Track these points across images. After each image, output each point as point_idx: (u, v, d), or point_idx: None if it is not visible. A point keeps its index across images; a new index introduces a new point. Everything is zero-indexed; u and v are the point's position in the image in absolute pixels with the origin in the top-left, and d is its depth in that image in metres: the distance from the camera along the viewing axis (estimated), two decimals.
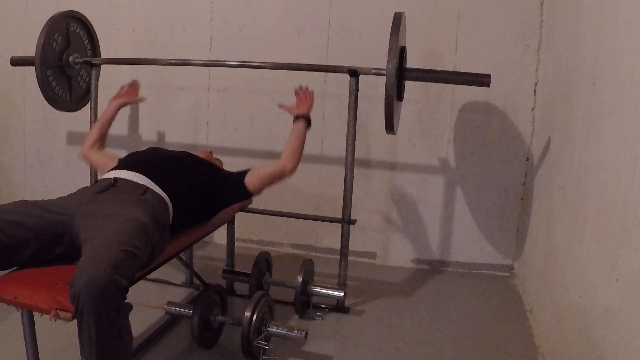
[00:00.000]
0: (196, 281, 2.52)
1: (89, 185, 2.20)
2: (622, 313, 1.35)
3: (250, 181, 2.05)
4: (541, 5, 2.72)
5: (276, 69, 2.37)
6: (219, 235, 3.13)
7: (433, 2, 2.84)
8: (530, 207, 2.72)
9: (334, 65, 2.55)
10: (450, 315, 2.51)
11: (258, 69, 2.56)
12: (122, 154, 2.27)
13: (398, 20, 2.16)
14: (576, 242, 1.80)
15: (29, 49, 2.49)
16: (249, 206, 2.57)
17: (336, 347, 2.17)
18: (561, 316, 1.91)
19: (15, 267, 1.53)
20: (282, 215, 2.78)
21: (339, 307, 2.45)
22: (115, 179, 1.80)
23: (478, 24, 2.81)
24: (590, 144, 1.75)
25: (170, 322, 2.22)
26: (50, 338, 1.85)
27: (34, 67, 2.44)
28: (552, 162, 2.33)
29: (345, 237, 2.43)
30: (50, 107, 2.62)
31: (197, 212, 2.04)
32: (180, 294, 2.55)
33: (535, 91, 2.79)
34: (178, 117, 3.22)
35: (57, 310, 1.36)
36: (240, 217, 2.66)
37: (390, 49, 2.10)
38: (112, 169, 1.93)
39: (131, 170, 1.85)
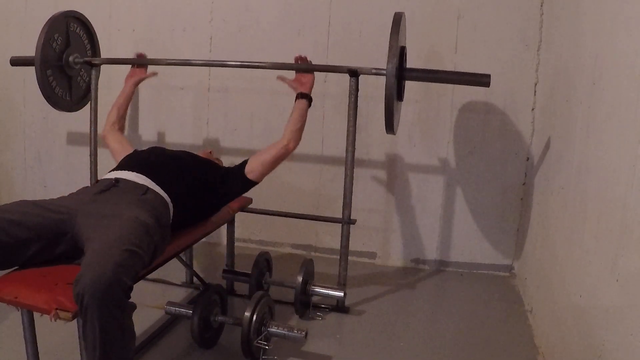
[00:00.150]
0: (196, 281, 2.52)
1: (89, 185, 2.21)
2: (622, 313, 1.35)
3: (251, 170, 2.08)
4: (541, 5, 2.72)
5: (276, 69, 2.37)
6: (219, 235, 3.13)
7: (433, 2, 2.84)
8: (530, 207, 2.72)
9: (334, 65, 2.55)
10: (450, 315, 2.51)
11: (258, 69, 2.56)
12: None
13: (398, 20, 2.16)
14: (576, 242, 1.80)
15: (29, 49, 2.49)
16: (249, 206, 2.57)
17: (336, 347, 2.17)
18: (561, 316, 1.91)
19: (16, 267, 1.53)
20: (282, 215, 2.78)
21: (339, 307, 2.45)
22: (117, 179, 1.80)
23: (478, 24, 2.81)
24: (590, 144, 1.75)
25: (170, 322, 2.22)
26: (50, 338, 1.85)
27: (34, 67, 2.44)
28: (552, 162, 2.33)
29: (345, 237, 2.43)
30: (50, 107, 2.61)
31: (198, 212, 2.05)
32: (180, 294, 2.55)
33: (535, 91, 2.79)
34: (178, 117, 3.22)
35: (57, 310, 1.36)
36: (240, 217, 2.66)
37: (390, 49, 2.10)
38: (113, 169, 1.94)
39: (132, 171, 1.86)
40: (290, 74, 2.33)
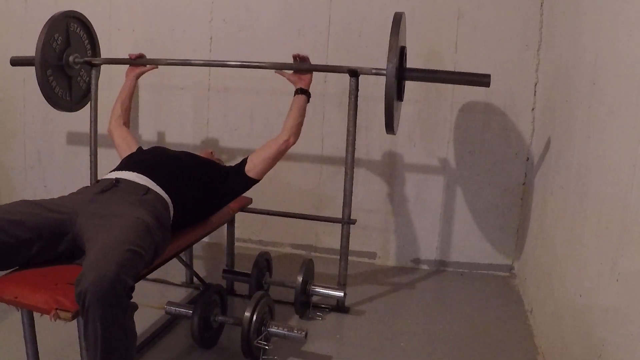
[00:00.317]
0: (196, 281, 2.52)
1: (89, 185, 2.21)
2: (622, 313, 1.35)
3: (252, 168, 2.09)
4: (541, 5, 2.72)
5: (276, 69, 2.37)
6: (219, 235, 3.13)
7: (433, 2, 2.84)
8: (530, 207, 2.72)
9: (334, 65, 2.55)
10: (450, 315, 2.51)
11: (258, 69, 2.56)
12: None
13: (398, 20, 2.16)
14: (576, 242, 1.80)
15: (29, 49, 2.49)
16: (249, 206, 2.57)
17: (336, 347, 2.17)
18: (561, 316, 1.91)
19: (16, 267, 1.53)
20: (282, 215, 2.78)
21: (339, 307, 2.45)
22: (117, 179, 1.80)
23: (478, 24, 2.81)
24: (590, 144, 1.75)
25: (170, 322, 2.22)
26: (50, 338, 1.85)
27: (34, 67, 2.44)
28: (552, 162, 2.33)
29: (345, 237, 2.43)
30: (50, 107, 2.61)
31: (198, 212, 2.05)
32: (180, 294, 2.55)
33: (535, 91, 2.79)
34: (178, 117, 3.22)
35: (57, 310, 1.36)
36: (240, 217, 2.66)
37: (390, 49, 2.10)
38: (113, 170, 1.94)
39: (133, 171, 1.86)
40: None
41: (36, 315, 1.45)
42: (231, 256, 2.61)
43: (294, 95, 2.23)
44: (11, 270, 1.52)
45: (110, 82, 2.95)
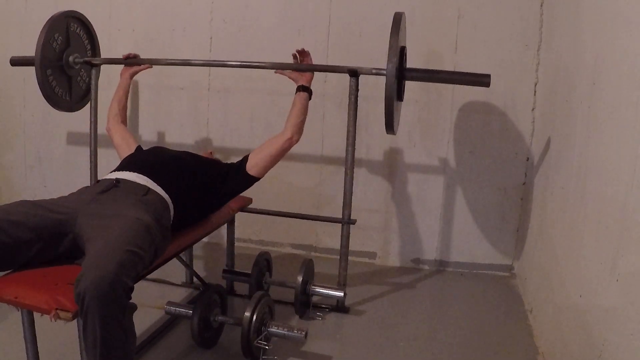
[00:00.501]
0: (196, 281, 2.52)
1: (89, 185, 2.21)
2: (622, 313, 1.35)
3: (253, 166, 2.08)
4: (541, 5, 2.72)
5: (276, 68, 2.37)
6: (219, 235, 3.13)
7: (433, 2, 2.84)
8: (530, 207, 2.72)
9: (334, 65, 2.55)
10: (450, 315, 2.51)
11: (258, 69, 2.56)
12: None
13: (398, 20, 2.16)
14: (576, 242, 1.80)
15: (29, 49, 2.49)
16: (249, 206, 2.57)
17: (336, 347, 2.17)
18: (561, 316, 1.91)
19: (17, 267, 1.53)
20: (282, 215, 2.78)
21: (339, 307, 2.45)
22: (117, 180, 1.80)
23: (478, 24, 2.81)
24: (590, 144, 1.75)
25: (170, 322, 2.22)
26: (50, 338, 1.85)
27: (34, 67, 2.44)
28: (552, 162, 2.33)
29: (345, 237, 2.43)
30: (50, 107, 2.62)
31: (198, 212, 2.05)
32: (180, 294, 2.55)
33: (535, 91, 2.80)
34: (178, 117, 3.22)
35: (57, 310, 1.36)
36: (240, 217, 2.66)
37: (390, 49, 2.10)
38: (114, 170, 1.94)
39: (133, 171, 1.86)
40: None
41: (36, 315, 1.45)
42: (231, 256, 2.61)
43: (296, 92, 2.23)
44: (11, 270, 1.52)
45: (110, 82, 2.95)
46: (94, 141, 2.73)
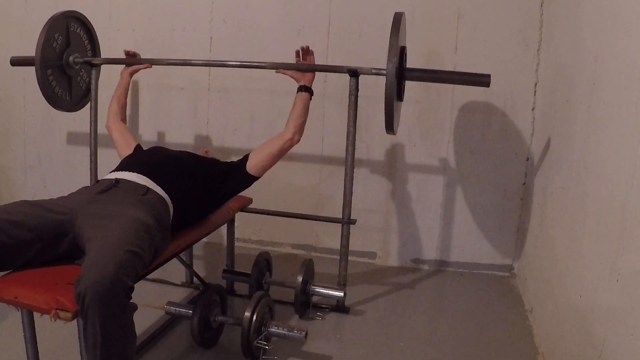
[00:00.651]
0: (196, 281, 2.52)
1: (89, 185, 2.21)
2: (622, 313, 1.35)
3: (254, 166, 2.09)
4: (541, 5, 2.72)
5: (276, 68, 2.37)
6: (219, 235, 3.13)
7: (433, 2, 2.84)
8: (530, 207, 2.72)
9: (334, 65, 2.55)
10: (450, 315, 2.51)
11: (258, 69, 2.56)
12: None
13: (398, 20, 2.16)
14: (576, 242, 1.80)
15: (29, 49, 2.49)
16: (249, 206, 2.57)
17: (336, 347, 2.17)
18: (561, 316, 1.91)
19: (17, 267, 1.53)
20: (282, 215, 2.78)
21: (339, 307, 2.45)
22: (117, 180, 1.80)
23: (478, 24, 2.81)
24: (590, 144, 1.75)
25: (170, 322, 2.22)
26: (50, 338, 1.85)
27: (34, 67, 2.44)
28: (552, 162, 2.33)
29: (345, 237, 2.43)
30: (50, 107, 2.61)
31: (198, 212, 2.05)
32: (180, 294, 2.55)
33: (535, 91, 2.79)
34: (178, 117, 3.22)
35: (57, 310, 1.36)
36: (240, 217, 2.66)
37: (390, 49, 2.10)
38: (113, 170, 1.94)
39: (132, 171, 1.86)
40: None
41: (36, 315, 1.45)
42: (231, 256, 2.61)
43: (297, 92, 2.22)
44: (11, 270, 1.52)
45: (110, 82, 2.94)
46: (94, 141, 2.73)
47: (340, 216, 2.43)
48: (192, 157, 2.13)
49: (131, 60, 2.51)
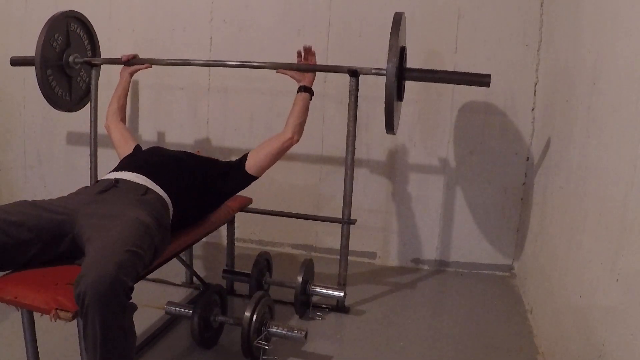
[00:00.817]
0: (196, 281, 2.52)
1: (88, 185, 2.21)
2: (622, 313, 1.35)
3: (253, 165, 2.08)
4: (541, 5, 2.72)
5: (276, 68, 2.37)
6: (219, 235, 3.13)
7: (433, 2, 2.84)
8: (530, 207, 2.72)
9: (334, 65, 2.54)
10: (450, 315, 2.51)
11: (258, 69, 2.56)
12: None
13: (398, 20, 2.16)
14: (576, 242, 1.80)
15: (29, 49, 2.49)
16: (249, 206, 2.57)
17: (336, 347, 2.17)
18: (561, 316, 1.91)
19: (17, 267, 1.53)
20: (282, 215, 2.78)
21: (339, 307, 2.45)
22: (116, 180, 1.80)
23: (478, 24, 2.81)
24: (590, 144, 1.75)
25: (170, 322, 2.22)
26: (50, 338, 1.85)
27: (34, 67, 2.44)
28: (552, 162, 2.33)
29: (345, 237, 2.43)
30: (50, 107, 2.62)
31: (198, 211, 2.05)
32: (180, 294, 2.55)
33: (535, 91, 2.79)
34: (178, 117, 3.22)
35: (57, 310, 1.36)
36: (240, 217, 2.66)
37: (390, 49, 2.10)
38: (113, 170, 1.94)
39: (132, 171, 1.86)
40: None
41: (36, 315, 1.45)
42: (231, 256, 2.61)
43: (297, 92, 2.22)
44: (11, 270, 1.52)
45: (110, 82, 2.94)
46: (94, 141, 2.73)
47: (340, 216, 2.43)
48: (191, 157, 2.13)
49: (131, 61, 2.51)
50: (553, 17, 2.58)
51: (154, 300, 2.37)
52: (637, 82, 1.37)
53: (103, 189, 1.74)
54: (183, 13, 3.12)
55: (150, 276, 1.84)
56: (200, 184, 2.00)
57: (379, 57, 2.44)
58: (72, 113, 2.78)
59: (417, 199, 3.02)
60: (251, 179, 2.10)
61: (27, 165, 3.49)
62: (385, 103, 2.16)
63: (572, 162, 1.94)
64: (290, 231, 3.17)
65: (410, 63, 2.42)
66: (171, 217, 1.83)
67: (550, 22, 2.64)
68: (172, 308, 2.07)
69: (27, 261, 1.52)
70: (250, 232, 3.22)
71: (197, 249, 2.93)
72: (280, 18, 3.01)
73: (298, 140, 2.14)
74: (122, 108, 2.44)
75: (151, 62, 2.52)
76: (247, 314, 1.90)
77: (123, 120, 2.42)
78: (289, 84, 2.34)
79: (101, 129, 2.57)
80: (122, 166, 1.95)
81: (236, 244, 2.65)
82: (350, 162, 2.36)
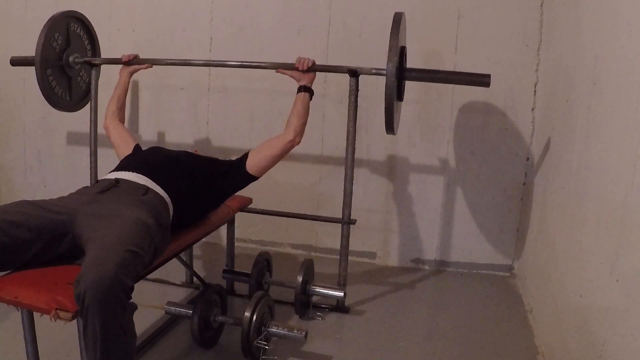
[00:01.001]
0: (196, 281, 2.52)
1: (88, 185, 2.21)
2: (622, 313, 1.35)
3: (254, 165, 2.07)
4: (541, 5, 2.72)
5: (276, 68, 2.37)
6: (219, 235, 3.13)
7: (433, 2, 2.84)
8: (530, 207, 2.72)
9: (334, 65, 2.54)
10: (450, 315, 2.51)
11: (258, 69, 2.56)
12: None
13: (398, 20, 2.16)
14: (576, 242, 1.80)
15: (29, 49, 2.49)
16: (249, 206, 2.57)
17: (336, 347, 2.17)
18: (561, 316, 1.91)
19: (17, 267, 1.53)
20: (282, 215, 2.78)
21: (339, 307, 2.45)
22: (117, 180, 1.80)
23: (478, 24, 2.81)
24: (590, 144, 1.75)
25: (170, 322, 2.22)
26: (50, 338, 1.85)
27: (34, 67, 2.44)
28: (552, 162, 2.33)
29: (345, 237, 2.43)
30: (50, 107, 2.62)
31: (198, 211, 2.05)
32: (180, 294, 2.55)
33: (535, 91, 2.79)
34: (178, 117, 3.22)
35: (57, 310, 1.36)
36: (240, 217, 2.66)
37: (390, 49, 2.10)
38: (113, 170, 1.94)
39: (132, 171, 1.86)
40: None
41: (36, 315, 1.45)
42: (231, 256, 2.61)
43: (297, 93, 2.22)
44: (11, 270, 1.52)
45: (110, 82, 2.94)
46: (94, 141, 2.73)
47: (340, 216, 2.43)
48: (191, 157, 2.13)
49: (131, 61, 2.50)
50: (553, 17, 2.58)
51: (154, 300, 2.37)
52: (637, 82, 1.37)
53: (103, 189, 1.74)
54: (183, 13, 3.12)
55: (150, 276, 1.84)
56: (200, 184, 2.00)
57: (379, 57, 2.44)
58: (72, 113, 2.78)
59: (417, 199, 3.02)
60: (251, 178, 2.10)
61: (27, 165, 3.49)
62: (385, 103, 2.16)
63: (572, 162, 1.94)
64: (290, 231, 3.17)
65: (410, 63, 2.42)
66: (171, 217, 1.83)
67: (550, 22, 2.64)
68: (172, 308, 2.07)
69: (27, 261, 1.52)
70: (250, 232, 3.22)
71: (197, 249, 2.93)
72: (280, 18, 3.01)
73: (300, 142, 2.13)
74: (122, 108, 2.43)
75: (151, 62, 2.53)
76: (247, 314, 1.90)
77: (122, 120, 2.42)
78: (289, 84, 2.34)
79: (101, 129, 2.57)
80: (122, 166, 1.95)
81: (236, 244, 2.65)
82: (350, 162, 2.36)
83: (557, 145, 2.27)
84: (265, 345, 1.95)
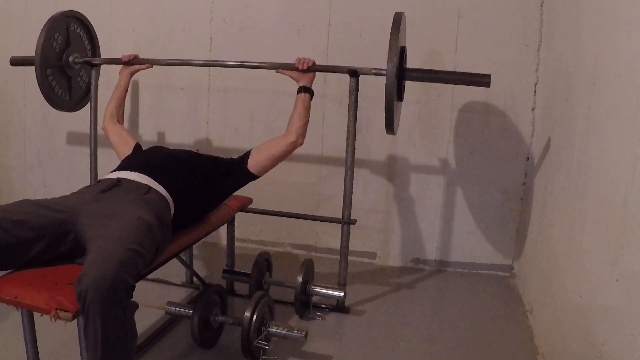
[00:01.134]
0: (196, 281, 2.52)
1: (89, 184, 2.21)
2: (622, 313, 1.35)
3: (255, 165, 2.08)
4: (541, 5, 2.72)
5: (276, 68, 2.37)
6: (219, 235, 3.13)
7: (433, 2, 2.84)
8: (530, 207, 2.72)
9: (334, 65, 2.54)
10: (450, 315, 2.51)
11: (258, 69, 2.56)
12: None
13: (398, 20, 2.16)
14: (576, 242, 1.80)
15: (29, 49, 2.49)
16: (249, 206, 2.57)
17: (336, 347, 2.17)
18: (561, 316, 1.91)
19: (18, 267, 1.53)
20: (282, 215, 2.78)
21: (339, 307, 2.45)
22: (119, 179, 1.81)
23: (478, 24, 2.81)
24: (590, 144, 1.75)
25: (170, 322, 2.22)
26: (50, 338, 1.85)
27: (34, 67, 2.44)
28: (552, 162, 2.33)
29: (345, 237, 2.43)
30: (50, 107, 2.61)
31: (199, 210, 2.05)
32: (180, 294, 2.55)
33: (535, 91, 2.79)
34: (178, 117, 3.22)
35: (57, 310, 1.36)
36: (240, 217, 2.66)
37: (390, 49, 2.10)
38: (114, 170, 1.94)
39: (134, 171, 1.87)
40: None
41: (36, 315, 1.45)
42: (231, 256, 2.61)
43: (297, 93, 2.22)
44: (11, 270, 1.52)
45: (110, 82, 2.94)
46: (94, 141, 2.73)
47: (340, 216, 2.43)
48: (192, 156, 2.14)
49: (131, 61, 2.50)
50: (553, 17, 2.58)
51: (154, 300, 2.36)
52: (637, 82, 1.37)
53: (105, 188, 1.74)
54: (183, 13, 3.12)
55: (150, 276, 1.84)
56: (201, 183, 2.01)
57: (379, 57, 2.44)
58: (72, 113, 2.78)
59: (417, 199, 3.02)
60: (252, 177, 2.10)
61: (27, 165, 3.49)
62: (385, 103, 2.16)
63: (572, 162, 1.94)
64: (290, 231, 3.17)
65: (410, 63, 2.42)
66: (172, 216, 1.83)
67: (550, 22, 2.64)
68: (172, 308, 2.07)
69: (29, 260, 1.52)
70: (250, 232, 3.22)
71: (197, 249, 2.93)
72: (280, 18, 3.01)
73: (302, 144, 2.13)
74: (121, 109, 2.43)
75: (151, 62, 2.53)
76: (247, 314, 1.90)
77: (120, 121, 2.41)
78: (289, 84, 2.34)
79: (101, 129, 2.57)
80: (123, 166, 1.95)
81: (236, 244, 2.65)
82: (350, 162, 2.36)
83: (557, 145, 2.27)
84: (265, 345, 1.95)
